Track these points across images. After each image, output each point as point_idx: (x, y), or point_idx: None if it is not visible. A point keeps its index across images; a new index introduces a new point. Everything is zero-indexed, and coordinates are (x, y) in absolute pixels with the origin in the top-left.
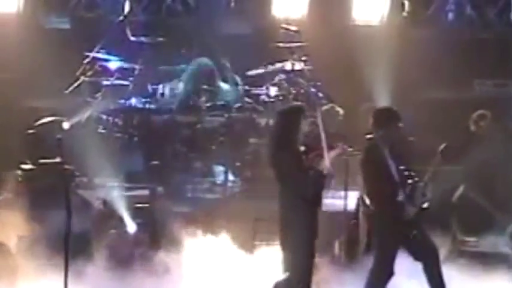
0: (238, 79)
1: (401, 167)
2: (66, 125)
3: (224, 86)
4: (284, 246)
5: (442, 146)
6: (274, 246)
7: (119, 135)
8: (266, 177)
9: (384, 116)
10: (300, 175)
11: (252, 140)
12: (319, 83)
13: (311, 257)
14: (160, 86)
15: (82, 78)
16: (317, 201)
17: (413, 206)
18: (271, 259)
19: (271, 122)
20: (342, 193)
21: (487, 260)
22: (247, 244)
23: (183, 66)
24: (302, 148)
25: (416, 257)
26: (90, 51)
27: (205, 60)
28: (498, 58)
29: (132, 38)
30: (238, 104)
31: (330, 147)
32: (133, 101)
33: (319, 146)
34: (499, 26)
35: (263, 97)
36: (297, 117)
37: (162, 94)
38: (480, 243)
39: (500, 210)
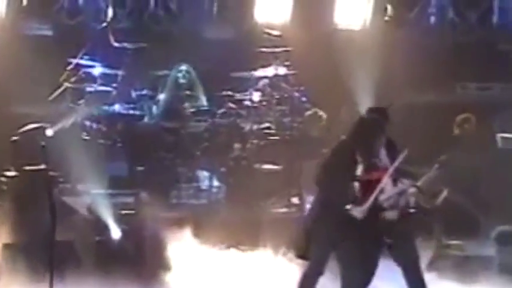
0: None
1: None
2: (49, 132)
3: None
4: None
5: (442, 158)
6: (259, 251)
7: (102, 141)
8: (250, 182)
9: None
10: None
11: (236, 146)
12: (302, 88)
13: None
14: (144, 92)
15: (65, 84)
16: None
17: (395, 210)
18: (254, 263)
19: (255, 127)
20: None
21: (472, 264)
22: (233, 249)
23: (166, 72)
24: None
25: (396, 261)
26: (74, 57)
27: (186, 65)
28: (481, 61)
29: (115, 44)
30: (222, 110)
31: None
32: (116, 107)
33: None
34: (481, 30)
35: (247, 102)
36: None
37: (146, 100)
38: (465, 247)
39: (485, 213)
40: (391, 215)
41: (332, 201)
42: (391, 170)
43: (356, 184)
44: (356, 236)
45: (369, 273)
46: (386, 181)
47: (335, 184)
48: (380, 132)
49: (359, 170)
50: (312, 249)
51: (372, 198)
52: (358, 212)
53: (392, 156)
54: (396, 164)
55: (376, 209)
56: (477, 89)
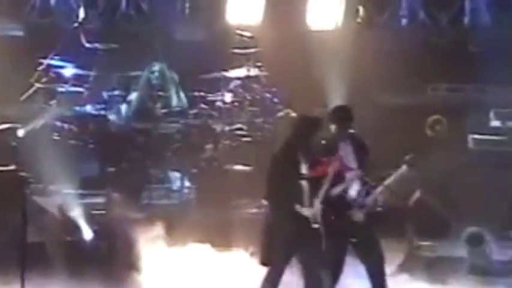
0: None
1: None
2: (21, 132)
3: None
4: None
5: (409, 156)
6: (231, 252)
7: (74, 142)
8: (222, 183)
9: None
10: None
11: (208, 146)
12: (274, 89)
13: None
14: (115, 93)
15: (37, 85)
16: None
17: (362, 210)
18: (225, 264)
19: (226, 128)
20: None
21: (443, 265)
22: (204, 249)
23: (138, 72)
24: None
25: (361, 260)
26: (45, 58)
27: (159, 65)
28: (452, 63)
29: (87, 45)
30: (194, 110)
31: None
32: (88, 107)
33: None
34: (452, 32)
35: (219, 103)
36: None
37: (118, 101)
38: (436, 247)
39: (456, 214)
40: (357, 214)
41: (282, 203)
42: (335, 165)
43: (304, 183)
44: (315, 237)
45: (334, 274)
46: (331, 177)
47: (281, 185)
48: (318, 129)
49: (303, 169)
50: (272, 254)
51: (321, 195)
52: (308, 211)
53: (359, 154)
54: (338, 158)
55: (340, 208)
56: (448, 91)
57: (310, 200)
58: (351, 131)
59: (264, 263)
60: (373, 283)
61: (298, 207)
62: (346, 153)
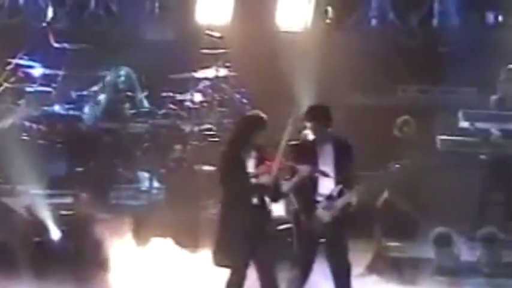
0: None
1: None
2: None
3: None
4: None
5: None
6: (198, 251)
7: (42, 142)
8: (190, 183)
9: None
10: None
11: (176, 147)
12: (243, 89)
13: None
14: (84, 93)
15: (4, 85)
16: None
17: (329, 211)
18: (193, 264)
19: (195, 128)
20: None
21: (411, 266)
22: (172, 249)
23: (106, 72)
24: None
25: (327, 260)
26: (13, 57)
27: (125, 67)
28: (421, 64)
29: (55, 45)
30: (162, 111)
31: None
32: (56, 107)
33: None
34: (422, 33)
35: (187, 103)
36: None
37: (86, 101)
38: (404, 248)
39: (424, 215)
40: (324, 215)
41: (234, 200)
42: (278, 159)
43: (254, 181)
44: (269, 234)
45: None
46: (274, 175)
47: (231, 182)
48: (261, 127)
49: (250, 167)
50: (228, 257)
51: (270, 193)
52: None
53: (340, 156)
54: (281, 152)
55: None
56: (417, 92)
57: (260, 198)
58: (330, 131)
59: (220, 264)
60: (337, 284)
61: (255, 200)
62: (324, 154)
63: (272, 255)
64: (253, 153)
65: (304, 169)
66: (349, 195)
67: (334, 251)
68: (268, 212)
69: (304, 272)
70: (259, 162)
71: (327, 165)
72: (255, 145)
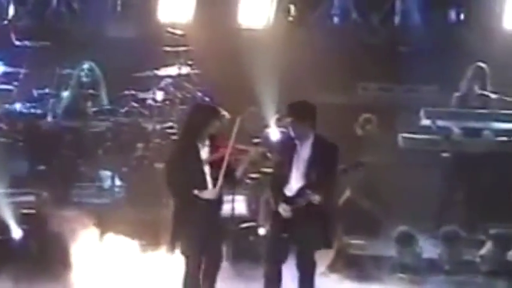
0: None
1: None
2: None
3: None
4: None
5: (356, 162)
6: (160, 249)
7: (3, 140)
8: (152, 181)
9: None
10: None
11: (138, 145)
12: (205, 87)
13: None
14: (46, 91)
15: None
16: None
17: (290, 208)
18: (156, 261)
19: (157, 126)
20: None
21: (373, 263)
22: (135, 247)
23: (68, 70)
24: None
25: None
26: None
27: (90, 64)
28: (383, 62)
29: (17, 42)
30: (125, 109)
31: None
32: (18, 105)
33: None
34: (383, 31)
35: (150, 101)
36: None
37: (48, 99)
38: (366, 246)
39: (386, 213)
40: (285, 211)
41: (183, 190)
42: (230, 146)
43: (206, 168)
44: (218, 223)
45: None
46: (226, 161)
47: (181, 171)
48: (214, 117)
49: (203, 154)
50: (183, 246)
51: (220, 180)
52: (208, 194)
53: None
54: (233, 138)
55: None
56: (379, 90)
57: (213, 185)
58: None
59: (173, 251)
60: (300, 283)
61: (197, 191)
62: (302, 151)
63: (222, 245)
64: (207, 142)
65: (253, 152)
66: (311, 196)
67: (299, 249)
68: (220, 201)
69: (275, 269)
70: (213, 150)
71: (301, 162)
72: (209, 134)
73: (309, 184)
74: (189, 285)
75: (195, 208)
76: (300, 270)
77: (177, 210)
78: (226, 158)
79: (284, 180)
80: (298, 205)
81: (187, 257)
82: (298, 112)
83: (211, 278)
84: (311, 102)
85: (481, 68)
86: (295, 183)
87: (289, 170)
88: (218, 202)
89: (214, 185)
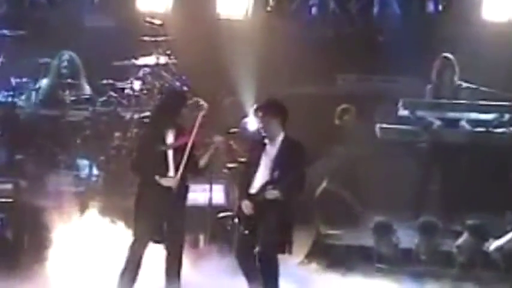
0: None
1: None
2: None
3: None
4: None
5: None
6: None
7: None
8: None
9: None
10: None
11: (116, 134)
12: (183, 77)
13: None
14: (24, 80)
15: None
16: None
17: (251, 203)
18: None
19: (135, 116)
20: (207, 186)
21: (350, 254)
22: (111, 236)
23: (47, 59)
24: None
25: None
26: None
27: (69, 53)
28: (361, 53)
29: None
30: (103, 98)
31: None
32: None
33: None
34: (361, 22)
35: (128, 91)
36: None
37: (26, 88)
38: (343, 236)
39: (363, 203)
40: (247, 207)
41: (146, 174)
42: (194, 132)
43: (169, 154)
44: (177, 209)
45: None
46: (189, 148)
47: (145, 156)
48: (182, 104)
49: (168, 139)
50: (135, 229)
51: (181, 168)
52: (168, 181)
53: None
54: (197, 125)
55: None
56: (357, 80)
57: (175, 171)
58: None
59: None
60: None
61: (157, 177)
62: (270, 151)
63: (181, 234)
64: (173, 131)
65: (218, 141)
66: (270, 191)
67: (259, 248)
68: (183, 188)
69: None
70: (178, 138)
71: (269, 161)
72: (176, 123)
73: (271, 181)
74: (126, 271)
75: (153, 193)
76: (261, 270)
77: (137, 194)
78: (189, 146)
79: (251, 178)
80: (259, 199)
81: (134, 240)
82: (270, 108)
83: (173, 265)
84: (282, 102)
85: (448, 58)
86: (260, 181)
87: (256, 168)
88: (180, 189)
89: (177, 172)
